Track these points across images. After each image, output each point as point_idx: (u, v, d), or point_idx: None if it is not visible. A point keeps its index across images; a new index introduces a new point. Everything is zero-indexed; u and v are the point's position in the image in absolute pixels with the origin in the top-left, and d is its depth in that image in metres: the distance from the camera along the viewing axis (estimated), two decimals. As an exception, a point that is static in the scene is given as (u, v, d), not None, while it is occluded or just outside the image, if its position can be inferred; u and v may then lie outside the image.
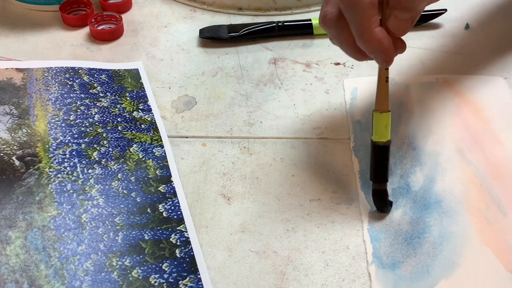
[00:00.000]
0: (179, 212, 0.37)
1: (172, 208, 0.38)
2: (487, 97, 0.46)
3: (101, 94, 0.45)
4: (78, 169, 0.39)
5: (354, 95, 0.46)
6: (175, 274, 0.34)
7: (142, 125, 0.43)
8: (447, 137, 0.43)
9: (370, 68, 0.49)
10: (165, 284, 0.33)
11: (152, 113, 0.45)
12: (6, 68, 0.46)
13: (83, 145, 0.41)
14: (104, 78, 0.47)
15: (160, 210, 0.37)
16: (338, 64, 0.50)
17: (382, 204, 0.38)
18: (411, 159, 0.41)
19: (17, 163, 0.39)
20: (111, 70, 0.48)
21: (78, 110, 0.44)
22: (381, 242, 0.36)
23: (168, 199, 0.38)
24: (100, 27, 0.53)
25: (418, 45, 0.52)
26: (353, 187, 0.40)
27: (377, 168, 0.38)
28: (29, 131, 0.41)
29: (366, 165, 0.40)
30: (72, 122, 0.42)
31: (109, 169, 0.40)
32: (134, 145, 0.42)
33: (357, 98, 0.46)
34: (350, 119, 0.44)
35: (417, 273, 0.35)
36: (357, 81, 0.48)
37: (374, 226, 0.37)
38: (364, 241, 0.36)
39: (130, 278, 0.33)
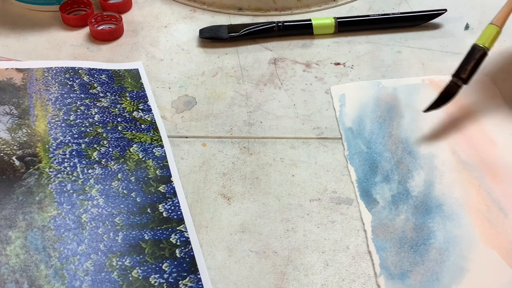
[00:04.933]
0: (179, 212, 0.37)
1: (172, 208, 0.38)
2: (475, 96, 0.46)
3: (101, 94, 0.45)
4: (78, 169, 0.39)
5: (342, 102, 0.46)
6: (175, 274, 0.34)
7: (142, 125, 0.43)
8: (440, 139, 0.42)
9: (370, 68, 0.49)
10: (165, 284, 0.33)
11: (152, 113, 0.45)
12: (6, 68, 0.46)
13: (83, 145, 0.41)
14: (104, 78, 0.47)
15: (160, 210, 0.37)
16: (338, 64, 0.50)
17: (445, 100, 0.42)
18: (407, 164, 0.41)
19: (17, 163, 0.39)
20: (111, 70, 0.48)
21: (78, 110, 0.44)
22: (387, 252, 0.36)
23: (168, 199, 0.38)
24: (100, 27, 0.53)
25: (418, 45, 0.52)
26: (353, 188, 0.40)
27: (470, 68, 0.42)
28: (29, 131, 0.41)
29: (363, 173, 0.40)
30: (72, 122, 0.42)
31: (109, 169, 0.40)
32: (134, 145, 0.42)
33: (346, 105, 0.45)
34: (341, 126, 0.44)
35: (427, 281, 0.34)
36: (344, 87, 0.47)
37: (378, 235, 0.37)
38: (369, 252, 0.36)
39: (130, 278, 0.33)
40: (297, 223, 0.38)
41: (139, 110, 0.45)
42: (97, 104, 0.44)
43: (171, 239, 0.36)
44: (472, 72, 0.42)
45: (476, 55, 0.42)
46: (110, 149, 0.41)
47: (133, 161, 0.40)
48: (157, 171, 0.40)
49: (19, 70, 0.46)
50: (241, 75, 0.49)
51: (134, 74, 0.48)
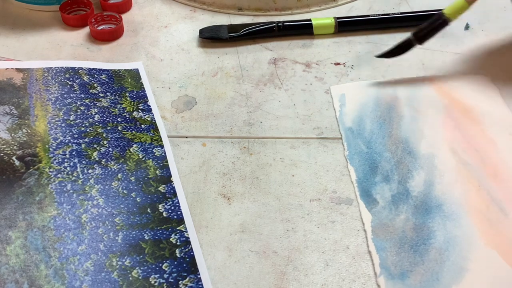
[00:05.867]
0: (179, 212, 0.37)
1: (172, 208, 0.38)
2: (474, 96, 0.46)
3: (101, 94, 0.45)
4: (78, 169, 0.39)
5: (342, 102, 0.46)
6: (175, 274, 0.34)
7: (142, 125, 0.43)
8: (440, 138, 0.42)
9: (370, 68, 0.49)
10: (165, 284, 0.33)
11: (152, 113, 0.45)
12: (6, 68, 0.46)
13: (83, 145, 0.41)
14: (104, 78, 0.47)
15: (160, 210, 0.37)
16: (338, 64, 0.50)
17: (397, 53, 0.47)
18: (407, 164, 0.41)
19: (17, 163, 0.39)
20: (111, 70, 0.48)
21: (78, 110, 0.44)
22: (387, 252, 0.36)
23: (168, 199, 0.38)
24: (100, 27, 0.53)
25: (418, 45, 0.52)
26: (353, 188, 0.40)
27: (427, 30, 0.46)
28: (29, 131, 0.41)
29: (363, 173, 0.40)
30: (72, 122, 0.42)
31: (109, 169, 0.40)
32: (134, 145, 0.42)
33: (346, 105, 0.45)
34: (341, 126, 0.44)
35: (427, 281, 0.34)
36: (344, 87, 0.47)
37: (378, 235, 0.36)
38: (369, 252, 0.36)
39: (130, 278, 0.33)
40: (297, 223, 0.38)
41: (139, 110, 0.45)
42: (97, 104, 0.44)
43: (171, 239, 0.36)
44: (428, 35, 0.46)
45: (437, 22, 0.46)
46: (110, 149, 0.41)
47: (133, 161, 0.40)
48: (157, 171, 0.40)
49: (19, 70, 0.46)
50: (241, 75, 0.49)
51: (134, 74, 0.48)
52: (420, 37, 0.46)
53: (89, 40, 0.52)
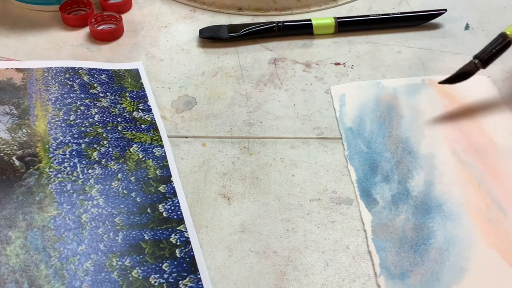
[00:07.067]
0: (179, 212, 0.37)
1: (172, 208, 0.38)
2: (475, 96, 0.46)
3: (101, 94, 0.45)
4: (78, 169, 0.39)
5: (342, 102, 0.46)
6: (175, 274, 0.34)
7: (142, 125, 0.43)
8: (440, 138, 0.42)
9: (370, 68, 0.49)
10: (165, 284, 0.33)
11: (152, 113, 0.45)
12: (6, 68, 0.46)
13: (83, 145, 0.41)
14: (104, 78, 0.47)
15: (160, 210, 0.37)
16: (338, 64, 0.50)
17: (460, 78, 0.44)
18: (407, 164, 0.41)
19: (17, 163, 0.39)
20: (111, 70, 0.48)
21: (78, 110, 0.44)
22: (387, 252, 0.36)
23: (168, 199, 0.38)
24: (100, 27, 0.53)
25: (418, 45, 0.52)
26: (353, 188, 0.40)
27: (491, 53, 0.43)
28: (29, 131, 0.41)
29: (363, 173, 0.40)
30: (72, 122, 0.42)
31: (109, 169, 0.40)
32: (134, 145, 0.42)
33: (346, 105, 0.45)
34: (341, 126, 0.44)
35: (427, 281, 0.34)
36: (344, 87, 0.47)
37: (378, 235, 0.36)
38: (369, 252, 0.36)
39: (130, 278, 0.33)
40: (297, 223, 0.38)
41: (139, 110, 0.45)
42: (97, 104, 0.44)
43: (171, 239, 0.36)
44: (492, 57, 0.43)
45: (500, 43, 0.43)
46: (110, 149, 0.41)
47: (133, 161, 0.40)
48: (157, 171, 0.40)
49: (19, 70, 0.46)
50: (241, 75, 0.49)
51: (134, 74, 0.48)
52: (485, 61, 0.43)
53: (89, 40, 0.52)
